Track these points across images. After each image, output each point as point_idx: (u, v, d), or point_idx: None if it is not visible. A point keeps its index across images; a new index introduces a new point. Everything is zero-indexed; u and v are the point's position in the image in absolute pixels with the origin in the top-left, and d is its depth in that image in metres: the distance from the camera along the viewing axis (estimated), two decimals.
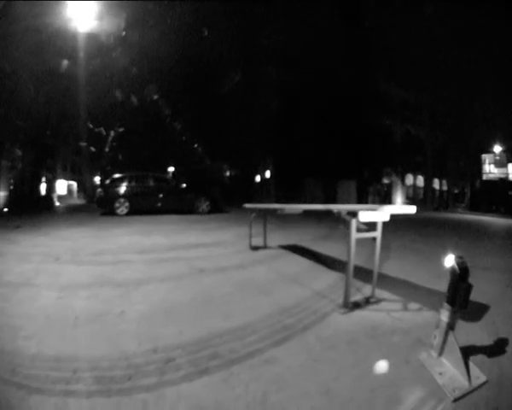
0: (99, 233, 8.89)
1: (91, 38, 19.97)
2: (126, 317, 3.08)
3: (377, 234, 3.58)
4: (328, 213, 3.98)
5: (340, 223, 3.52)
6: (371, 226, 3.51)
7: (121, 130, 30.99)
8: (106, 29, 20.16)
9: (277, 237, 7.96)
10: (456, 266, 2.26)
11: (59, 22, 18.07)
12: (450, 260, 2.30)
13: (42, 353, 2.40)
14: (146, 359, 2.34)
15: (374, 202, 32.12)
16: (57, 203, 23.41)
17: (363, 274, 4.25)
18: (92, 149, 30.65)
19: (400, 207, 3.47)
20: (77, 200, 32.09)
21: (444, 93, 37.50)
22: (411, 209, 3.50)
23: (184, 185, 17.88)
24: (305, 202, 30.00)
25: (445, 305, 2.29)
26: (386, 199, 32.52)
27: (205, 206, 16.75)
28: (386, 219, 3.44)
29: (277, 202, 28.18)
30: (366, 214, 3.22)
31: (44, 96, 20.43)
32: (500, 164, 39.34)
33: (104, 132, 31.02)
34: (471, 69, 35.38)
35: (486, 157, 40.31)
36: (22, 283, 4.12)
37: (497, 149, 39.47)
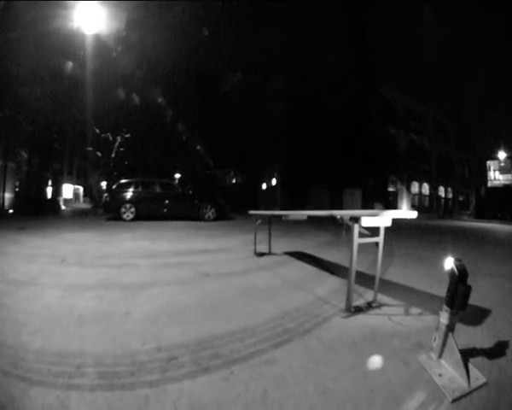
0: (104, 237, 8.93)
1: (97, 42, 20.10)
2: (131, 317, 3.11)
3: (379, 239, 3.59)
4: (333, 220, 4.01)
5: (342, 230, 3.54)
6: (375, 232, 3.54)
7: (127, 136, 31.03)
8: (111, 33, 20.30)
9: (282, 244, 8.00)
10: (455, 269, 2.27)
11: (66, 26, 18.23)
12: (449, 263, 2.32)
13: (45, 348, 2.44)
14: (149, 357, 2.37)
15: (379, 208, 32.12)
16: (63, 207, 23.49)
17: (366, 280, 4.28)
18: (99, 153, 30.69)
19: (401, 212, 3.44)
20: (83, 204, 32.14)
21: (447, 102, 37.65)
22: (412, 214, 3.49)
23: (190, 192, 18.01)
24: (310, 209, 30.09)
25: (444, 307, 2.30)
26: (392, 207, 32.47)
27: (210, 213, 16.90)
28: (389, 224, 3.45)
29: (283, 209, 28.34)
30: (368, 219, 3.24)
31: (51, 100, 20.54)
32: (505, 170, 39.33)
33: (111, 138, 31.07)
34: (475, 78, 35.49)
35: (491, 164, 40.35)
36: (27, 281, 4.17)
37: (502, 155, 39.42)
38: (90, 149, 29.91)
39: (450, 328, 2.27)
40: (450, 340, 2.26)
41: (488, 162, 40.85)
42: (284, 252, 7.25)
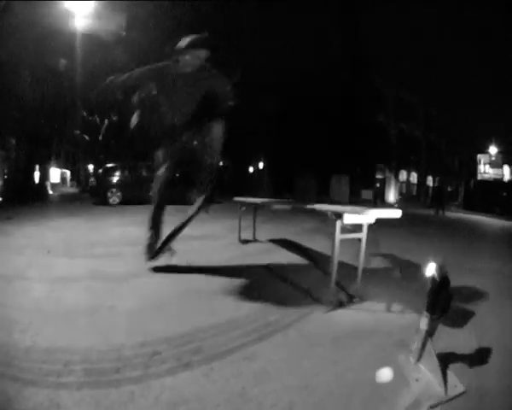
0: (91, 224, 8.99)
1: (87, 23, 19.85)
2: (116, 311, 3.16)
3: (362, 235, 3.64)
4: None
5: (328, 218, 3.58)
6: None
7: (115, 118, 30.70)
8: (100, 14, 20.07)
9: (266, 231, 7.98)
10: (437, 275, 2.27)
11: (56, 13, 18.03)
12: (430, 269, 2.31)
13: (35, 345, 2.48)
14: (134, 352, 2.43)
15: (366, 197, 32.23)
16: (50, 192, 23.31)
17: (350, 271, 4.24)
18: (86, 137, 30.42)
19: (386, 211, 3.53)
20: (70, 188, 31.99)
21: (439, 94, 37.69)
22: (396, 213, 3.52)
23: (177, 175, 17.96)
24: (297, 195, 30.29)
25: (424, 313, 2.31)
26: (379, 195, 32.57)
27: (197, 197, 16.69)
28: (372, 221, 3.50)
29: (270, 194, 28.33)
30: (350, 217, 3.29)
31: (40, 84, 20.30)
32: (495, 165, 39.84)
33: (98, 121, 30.79)
34: (468, 71, 35.68)
35: (482, 157, 40.74)
36: (17, 276, 4.16)
37: (493, 150, 39.88)
38: (78, 132, 29.64)
39: (430, 334, 2.29)
40: (429, 346, 2.29)
41: (478, 155, 41.20)
42: (268, 239, 7.32)
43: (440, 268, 2.29)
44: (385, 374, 2.31)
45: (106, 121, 31.12)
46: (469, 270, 5.43)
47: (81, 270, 4.50)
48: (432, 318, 2.26)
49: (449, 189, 44.32)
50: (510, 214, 21.07)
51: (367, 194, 33.25)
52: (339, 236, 3.39)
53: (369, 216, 3.37)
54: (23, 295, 3.54)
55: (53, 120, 23.30)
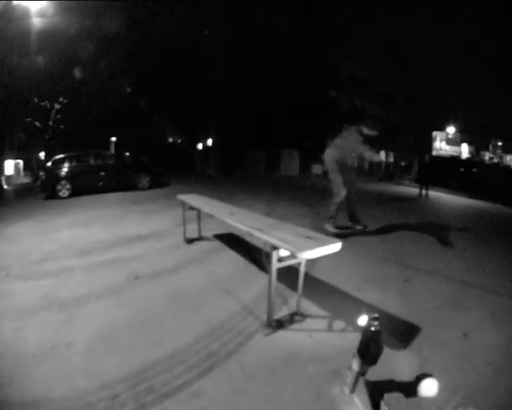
0: (42, 227, 9.13)
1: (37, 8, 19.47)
2: (74, 349, 3.37)
3: (301, 260, 3.78)
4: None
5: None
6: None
7: (65, 101, 29.95)
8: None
9: (213, 221, 7.55)
10: (369, 328, 2.16)
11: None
12: (363, 320, 2.45)
13: (24, 399, 2.72)
14: (97, 396, 2.69)
15: (317, 172, 32.70)
16: (5, 186, 22.87)
17: (293, 274, 4.20)
18: (37, 123, 29.63)
19: (325, 248, 3.41)
20: (23, 178, 31.29)
21: (395, 71, 37.98)
22: (335, 248, 3.46)
23: (124, 161, 18.28)
24: (247, 171, 30.61)
25: (356, 355, 2.48)
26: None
27: (145, 181, 17.56)
28: (311, 257, 3.41)
29: (218, 171, 30.04)
30: (286, 252, 3.51)
31: None
32: (453, 142, 41.30)
33: (48, 105, 29.96)
34: (427, 48, 36.05)
35: (438, 134, 42.05)
36: None
37: (451, 130, 41.23)
38: (29, 119, 28.82)
39: (362, 373, 2.40)
40: (361, 383, 2.37)
41: (434, 132, 42.33)
42: (214, 235, 7.59)
43: (373, 320, 2.42)
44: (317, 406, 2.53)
45: (56, 105, 30.34)
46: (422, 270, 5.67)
47: (36, 297, 4.62)
48: (362, 362, 2.45)
49: (402, 163, 45.11)
50: (467, 191, 21.39)
51: (317, 168, 33.62)
52: (275, 264, 3.57)
53: (306, 255, 3.31)
54: None
55: (5, 111, 22.81)
